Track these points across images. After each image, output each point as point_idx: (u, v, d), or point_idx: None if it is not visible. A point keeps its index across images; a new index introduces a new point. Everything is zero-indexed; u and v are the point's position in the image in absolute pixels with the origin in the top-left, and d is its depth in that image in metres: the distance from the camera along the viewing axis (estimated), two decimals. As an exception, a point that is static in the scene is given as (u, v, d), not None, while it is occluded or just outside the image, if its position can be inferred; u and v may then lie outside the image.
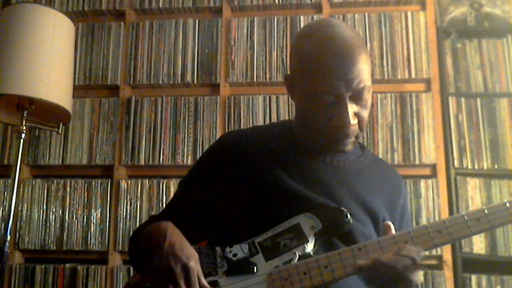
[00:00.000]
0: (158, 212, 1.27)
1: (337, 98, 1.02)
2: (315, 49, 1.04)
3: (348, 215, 0.99)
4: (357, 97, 1.04)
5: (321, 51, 1.03)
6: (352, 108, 1.03)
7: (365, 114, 1.08)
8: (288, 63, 1.19)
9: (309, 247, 0.97)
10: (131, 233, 1.58)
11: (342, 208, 1.00)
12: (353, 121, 1.04)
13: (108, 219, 2.33)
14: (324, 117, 1.05)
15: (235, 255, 0.99)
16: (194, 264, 0.92)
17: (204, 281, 0.93)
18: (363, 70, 1.03)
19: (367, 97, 1.07)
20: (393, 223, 1.12)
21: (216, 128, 2.36)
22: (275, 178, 1.08)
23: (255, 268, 0.96)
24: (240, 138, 1.19)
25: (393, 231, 0.98)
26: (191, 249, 0.95)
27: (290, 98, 2.27)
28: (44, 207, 2.36)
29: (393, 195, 1.18)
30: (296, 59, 1.11)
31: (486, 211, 0.93)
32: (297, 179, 1.08)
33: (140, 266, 1.02)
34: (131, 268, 2.22)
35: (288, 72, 1.17)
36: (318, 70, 1.02)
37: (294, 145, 1.15)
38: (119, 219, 2.31)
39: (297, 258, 0.96)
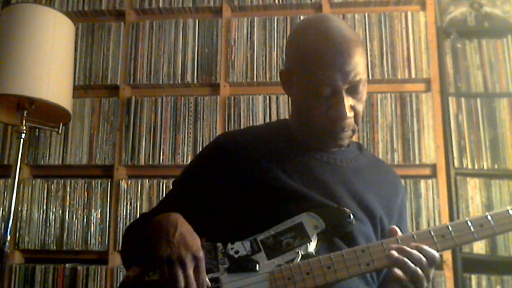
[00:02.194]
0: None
1: (334, 90, 1.04)
2: (313, 42, 1.06)
3: (351, 216, 0.99)
4: (353, 90, 1.06)
5: (319, 44, 1.04)
6: (348, 101, 1.05)
7: (360, 107, 1.09)
8: (284, 59, 1.19)
9: (312, 246, 0.97)
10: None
11: (345, 209, 1.00)
12: (350, 113, 1.05)
13: (108, 219, 2.33)
14: (321, 110, 1.06)
15: (236, 252, 0.98)
16: (203, 255, 0.92)
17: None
18: (359, 63, 1.05)
19: (363, 90, 1.08)
20: (389, 223, 1.12)
21: (216, 128, 2.36)
22: (273, 177, 1.08)
23: (257, 266, 0.96)
24: (236, 138, 1.20)
25: (400, 234, 0.98)
26: (200, 241, 0.95)
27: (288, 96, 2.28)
28: (44, 207, 2.36)
29: (391, 195, 1.18)
30: (293, 53, 1.11)
31: (489, 217, 0.93)
32: (295, 178, 1.08)
33: (140, 258, 1.01)
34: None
35: (283, 68, 1.18)
36: (316, 62, 1.04)
37: (291, 143, 1.16)
38: (119, 219, 2.31)
39: (299, 258, 0.96)
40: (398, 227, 1.13)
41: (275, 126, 1.26)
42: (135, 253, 1.07)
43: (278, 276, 0.94)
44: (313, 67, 1.04)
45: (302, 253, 0.96)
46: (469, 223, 0.93)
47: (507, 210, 0.93)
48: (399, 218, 1.18)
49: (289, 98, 1.22)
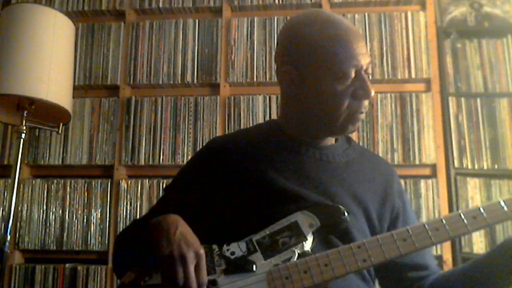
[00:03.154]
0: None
1: (358, 71, 1.07)
2: (329, 30, 1.08)
3: (346, 213, 0.99)
4: (367, 72, 1.10)
5: (335, 31, 1.08)
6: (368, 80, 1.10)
7: None
8: (285, 59, 1.16)
9: (308, 245, 0.97)
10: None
11: (340, 206, 1.00)
12: (373, 91, 1.09)
13: (108, 219, 2.33)
14: (348, 93, 1.08)
15: (232, 253, 0.97)
16: (204, 253, 0.92)
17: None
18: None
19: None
20: (393, 209, 1.14)
21: (216, 128, 2.36)
22: (267, 178, 1.08)
23: (254, 266, 0.95)
24: (227, 142, 1.20)
25: None
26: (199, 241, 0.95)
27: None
28: (44, 207, 2.36)
29: (386, 183, 1.18)
30: (305, 47, 1.10)
31: (482, 209, 0.94)
32: (289, 177, 1.08)
33: (135, 263, 1.01)
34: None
35: (291, 68, 1.14)
36: (339, 47, 1.06)
37: (283, 143, 1.16)
38: (119, 219, 2.31)
39: (296, 256, 0.95)
40: (405, 214, 1.16)
41: (264, 127, 1.25)
42: (129, 258, 1.06)
43: (275, 275, 0.93)
44: (337, 51, 1.06)
45: (298, 251, 0.96)
46: (462, 216, 0.94)
47: (499, 202, 0.94)
48: (403, 203, 1.18)
49: (289, 98, 1.19)
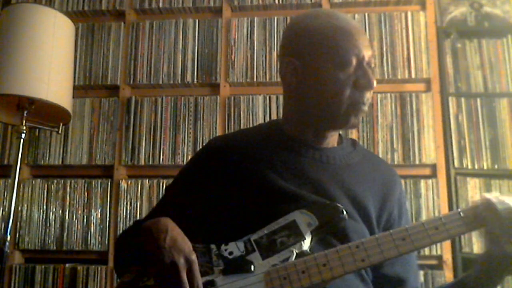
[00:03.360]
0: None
1: (359, 61, 1.08)
2: (333, 23, 1.10)
3: (344, 212, 0.98)
4: (369, 65, 1.10)
5: (339, 23, 1.10)
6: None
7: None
8: (288, 51, 1.17)
9: (306, 244, 0.96)
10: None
11: (338, 205, 1.00)
12: (375, 83, 1.09)
13: (108, 219, 2.33)
14: (350, 83, 1.08)
15: (231, 253, 0.97)
16: (195, 258, 0.92)
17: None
18: None
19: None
20: (388, 218, 1.13)
21: (216, 128, 2.36)
22: (266, 178, 1.08)
23: (252, 266, 0.95)
24: (227, 142, 1.21)
25: None
26: (191, 245, 0.95)
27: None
28: (44, 207, 2.36)
29: (387, 188, 1.17)
30: (309, 39, 1.12)
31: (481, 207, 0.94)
32: (288, 178, 1.08)
33: (134, 264, 1.01)
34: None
35: (296, 61, 1.14)
36: (342, 37, 1.09)
37: (283, 144, 1.15)
38: (119, 219, 2.31)
39: (294, 256, 0.95)
40: (400, 221, 1.14)
41: (265, 127, 1.26)
42: (128, 259, 1.06)
43: (274, 276, 0.93)
44: (339, 41, 1.08)
45: (296, 251, 0.95)
46: (462, 214, 0.93)
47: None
48: (400, 212, 1.17)
49: (291, 92, 1.18)
